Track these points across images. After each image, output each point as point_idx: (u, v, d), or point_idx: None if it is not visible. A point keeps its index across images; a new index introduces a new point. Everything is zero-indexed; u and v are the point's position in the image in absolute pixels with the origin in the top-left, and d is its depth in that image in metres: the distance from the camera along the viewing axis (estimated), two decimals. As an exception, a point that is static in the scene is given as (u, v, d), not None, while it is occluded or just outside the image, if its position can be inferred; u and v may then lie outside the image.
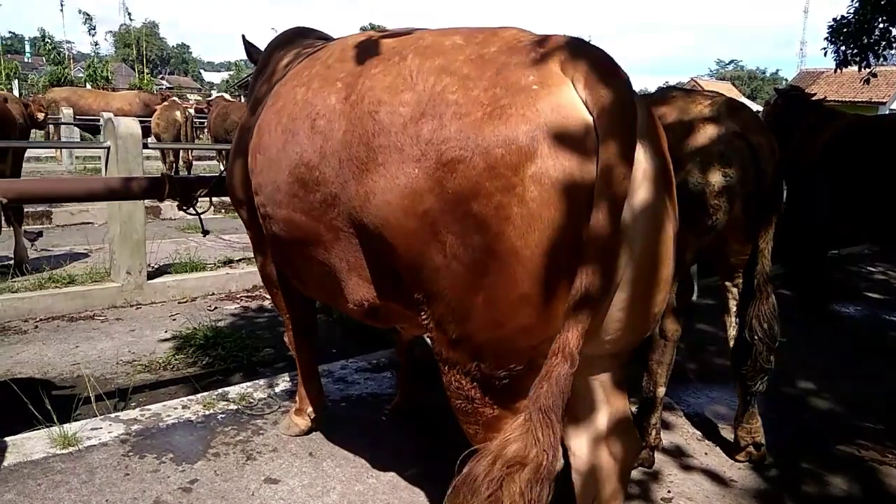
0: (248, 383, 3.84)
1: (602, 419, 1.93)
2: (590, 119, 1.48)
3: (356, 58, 1.92)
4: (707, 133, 2.71)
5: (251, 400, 3.58)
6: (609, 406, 1.93)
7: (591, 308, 1.44)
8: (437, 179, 1.54)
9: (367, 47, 1.92)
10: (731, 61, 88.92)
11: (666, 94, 3.10)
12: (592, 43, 1.69)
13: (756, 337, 2.85)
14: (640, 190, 1.56)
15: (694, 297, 6.13)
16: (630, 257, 1.57)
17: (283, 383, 3.80)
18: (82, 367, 4.33)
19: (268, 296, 6.29)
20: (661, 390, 2.95)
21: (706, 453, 3.23)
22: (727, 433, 3.35)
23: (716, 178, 2.67)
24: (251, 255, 7.33)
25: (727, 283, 3.10)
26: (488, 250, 1.50)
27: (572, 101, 1.50)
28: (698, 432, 3.43)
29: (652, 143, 1.62)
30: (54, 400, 3.48)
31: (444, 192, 1.53)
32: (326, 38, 2.90)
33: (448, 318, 1.66)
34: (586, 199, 1.45)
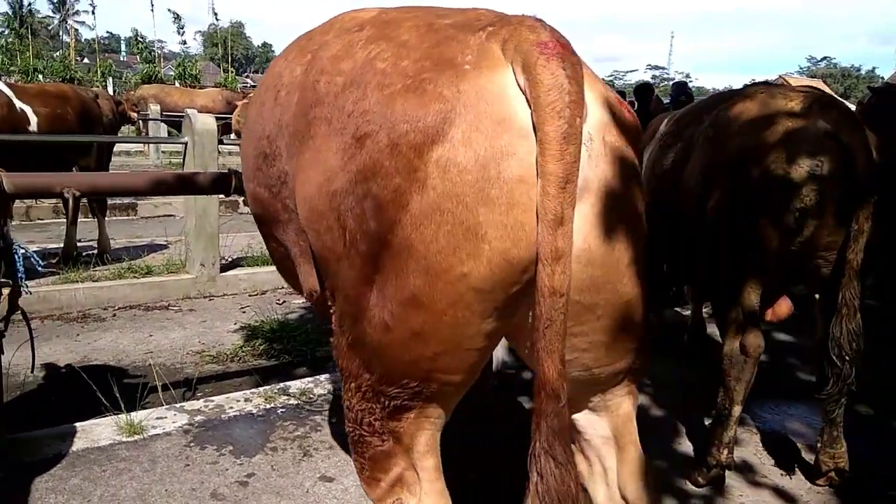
0: (310, 378, 3.86)
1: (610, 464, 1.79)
2: (523, 109, 1.30)
3: (333, 29, 1.78)
4: (795, 130, 2.51)
5: (311, 395, 3.60)
6: (618, 446, 1.77)
7: (557, 332, 1.29)
8: (350, 155, 1.39)
9: (351, 19, 1.77)
10: (824, 58, 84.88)
11: (750, 89, 2.91)
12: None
13: (842, 355, 2.61)
14: (596, 199, 1.37)
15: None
16: (589, 275, 1.40)
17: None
18: (154, 356, 4.47)
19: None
20: (738, 409, 2.76)
21: (782, 475, 3.03)
22: (807, 455, 3.13)
23: (803, 178, 2.47)
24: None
25: (815, 296, 2.89)
26: (381, 239, 1.35)
27: (503, 87, 1.32)
28: (775, 452, 3.22)
29: (615, 146, 1.41)
30: (126, 387, 3.60)
31: (351, 169, 1.38)
32: None
33: (345, 317, 1.51)
34: (506, 200, 1.28)
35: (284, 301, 5.93)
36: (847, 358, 2.59)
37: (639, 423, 1.81)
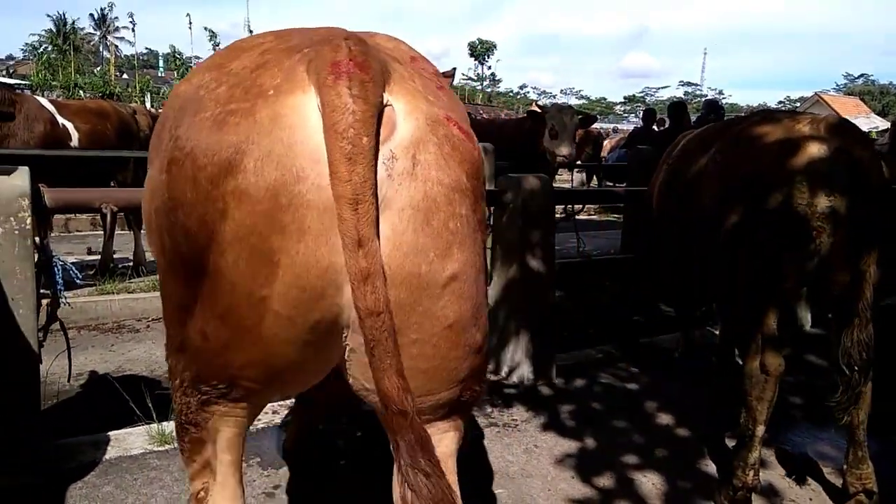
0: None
1: None
2: (318, 133, 1.29)
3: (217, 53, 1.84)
4: (809, 152, 2.56)
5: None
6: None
7: (387, 351, 1.31)
8: (164, 180, 1.43)
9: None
10: (861, 75, 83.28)
11: (759, 115, 2.98)
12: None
13: (851, 364, 2.62)
14: (398, 218, 1.34)
15: (807, 327, 5.74)
16: (394, 297, 1.35)
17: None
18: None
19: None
20: (761, 429, 2.74)
21: (811, 499, 2.99)
22: (834, 477, 3.09)
23: (818, 199, 2.51)
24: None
25: (831, 314, 2.87)
26: (195, 262, 1.39)
27: (299, 111, 1.30)
28: (802, 474, 3.17)
29: (431, 164, 1.37)
30: (158, 398, 3.67)
31: (164, 194, 1.43)
32: None
33: (173, 321, 1.58)
34: (297, 227, 1.29)
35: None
36: (856, 367, 2.61)
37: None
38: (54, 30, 62.63)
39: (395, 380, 1.32)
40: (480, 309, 1.51)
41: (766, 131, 2.79)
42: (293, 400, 3.77)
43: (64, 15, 62.81)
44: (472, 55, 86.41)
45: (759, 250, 2.66)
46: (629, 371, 4.43)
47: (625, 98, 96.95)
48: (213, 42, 62.10)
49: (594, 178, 15.67)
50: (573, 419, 3.66)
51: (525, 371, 4.06)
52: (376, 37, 1.67)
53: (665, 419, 3.70)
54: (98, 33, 73.61)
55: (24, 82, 34.29)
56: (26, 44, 67.72)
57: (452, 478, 1.59)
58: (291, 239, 1.30)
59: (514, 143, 7.77)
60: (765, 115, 3.00)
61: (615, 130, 24.40)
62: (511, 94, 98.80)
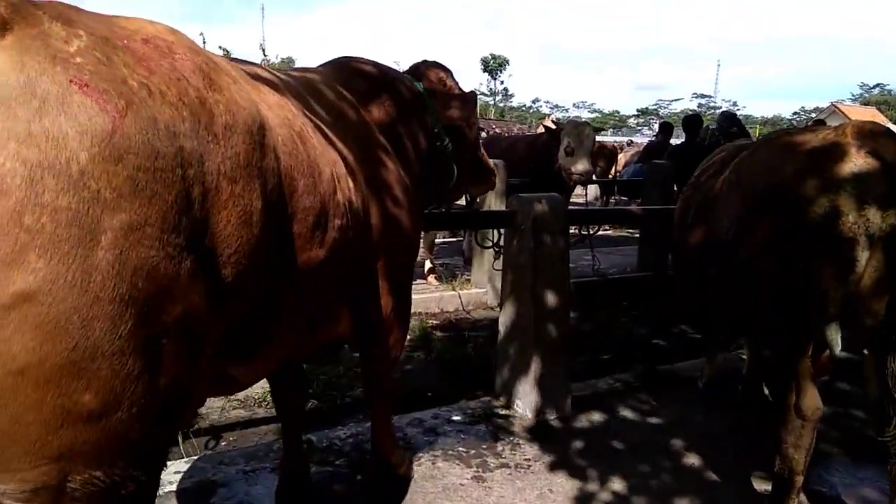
0: (342, 429, 3.67)
1: None
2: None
3: None
4: (834, 160, 2.29)
5: (336, 446, 3.40)
6: None
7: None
8: None
9: None
10: (877, 85, 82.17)
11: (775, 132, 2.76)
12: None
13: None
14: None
15: (837, 351, 5.42)
16: None
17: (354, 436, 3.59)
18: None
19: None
20: (799, 479, 2.47)
21: (855, 552, 2.70)
22: (882, 528, 2.80)
23: (850, 211, 2.22)
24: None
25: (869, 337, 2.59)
26: None
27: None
28: (844, 524, 2.89)
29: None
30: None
31: None
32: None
33: None
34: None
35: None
36: None
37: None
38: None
39: None
40: (95, 353, 1.05)
41: (785, 142, 2.58)
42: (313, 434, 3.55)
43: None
44: (484, 70, 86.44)
45: (783, 274, 2.39)
46: (650, 403, 4.15)
47: (638, 111, 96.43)
48: (227, 61, 62.37)
49: (609, 193, 15.41)
50: (590, 459, 3.39)
51: (537, 404, 3.80)
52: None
53: (690, 458, 3.42)
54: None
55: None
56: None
57: None
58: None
59: (528, 160, 7.56)
60: (781, 131, 2.83)
61: (629, 144, 24.08)
62: (524, 108, 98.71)
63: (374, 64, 2.78)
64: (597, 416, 3.91)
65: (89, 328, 1.03)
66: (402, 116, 2.68)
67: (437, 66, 3.06)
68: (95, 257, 1.03)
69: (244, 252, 1.35)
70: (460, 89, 3.10)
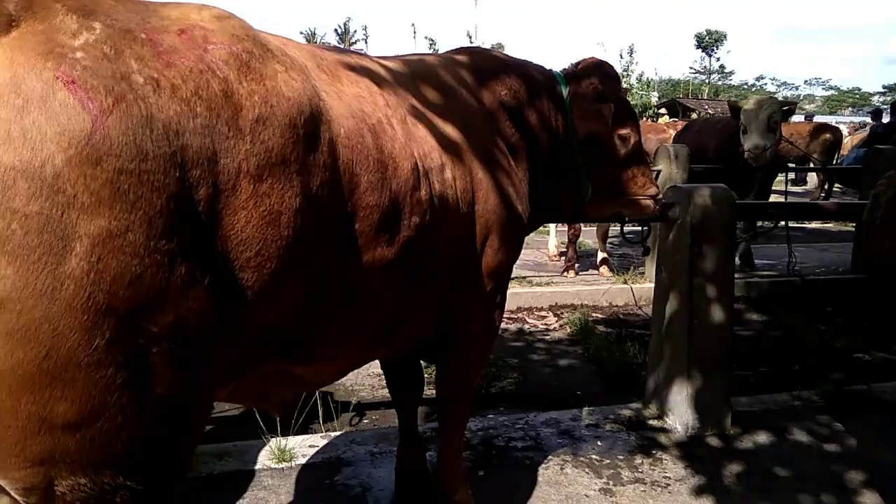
0: (475, 420, 3.62)
1: None
2: None
3: None
4: None
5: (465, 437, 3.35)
6: None
7: None
8: None
9: None
10: None
11: None
12: None
13: None
14: None
15: None
16: None
17: (485, 429, 3.50)
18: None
19: (530, 319, 6.08)
20: None
21: None
22: None
23: None
24: (523, 274, 7.20)
25: None
26: None
27: None
28: None
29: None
30: (304, 407, 3.63)
31: None
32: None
33: None
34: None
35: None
36: None
37: None
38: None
39: None
40: (69, 362, 1.03)
41: None
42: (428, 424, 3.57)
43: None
44: (698, 46, 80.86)
45: None
46: (831, 427, 3.58)
47: (884, 87, 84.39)
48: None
49: (831, 182, 13.69)
50: (741, 486, 3.00)
51: (689, 417, 3.45)
52: None
53: (867, 499, 2.90)
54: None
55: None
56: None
57: None
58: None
59: (715, 145, 6.91)
60: None
61: (863, 125, 21.08)
62: (746, 86, 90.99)
63: (507, 56, 2.60)
64: (762, 437, 3.46)
65: (62, 337, 1.01)
66: (529, 114, 2.44)
67: (597, 72, 2.63)
68: (68, 265, 1.01)
69: (270, 254, 1.28)
70: (622, 100, 2.70)
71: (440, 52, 2.86)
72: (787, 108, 6.04)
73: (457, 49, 2.59)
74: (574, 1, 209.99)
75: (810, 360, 4.90)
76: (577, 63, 2.72)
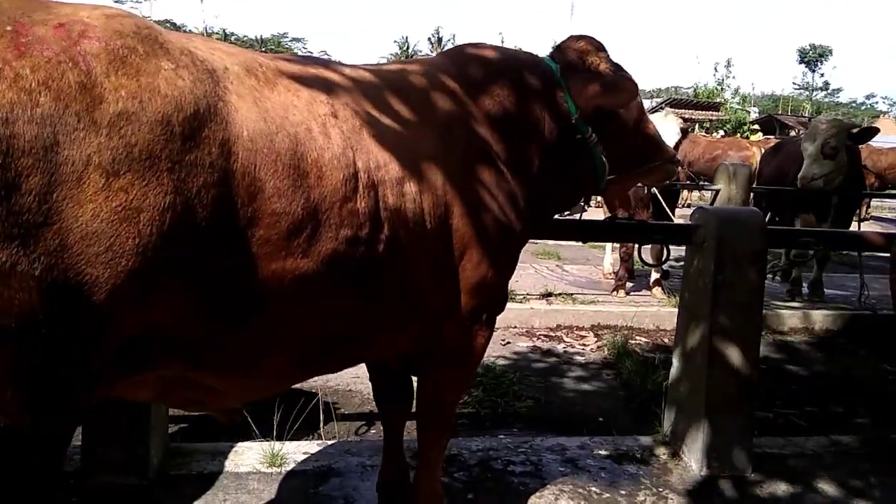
0: (478, 440, 3.51)
1: None
2: None
3: None
4: None
5: (452, 462, 3.24)
6: None
7: None
8: None
9: None
10: None
11: None
12: None
13: None
14: None
15: None
16: None
17: (485, 450, 3.37)
18: (360, 381, 4.53)
19: (567, 338, 5.89)
20: None
21: None
22: None
23: None
24: (570, 291, 7.00)
25: None
26: None
27: None
28: None
29: None
30: (312, 412, 3.62)
31: None
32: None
33: None
34: None
35: (509, 342, 5.64)
36: None
37: None
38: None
39: None
40: None
41: None
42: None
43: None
44: (801, 61, 77.04)
45: None
46: (867, 479, 3.26)
47: None
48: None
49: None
50: (748, 536, 2.77)
51: (703, 455, 3.22)
52: None
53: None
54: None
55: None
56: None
57: None
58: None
59: (794, 169, 6.52)
60: None
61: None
62: (854, 104, 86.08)
63: (495, 48, 2.49)
64: (783, 485, 3.18)
65: None
66: (522, 109, 2.31)
67: (580, 38, 2.57)
68: None
69: (125, 251, 1.25)
70: (613, 67, 2.57)
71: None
72: (855, 130, 5.56)
73: (448, 49, 2.53)
74: (671, 12, 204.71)
75: (864, 400, 4.50)
76: (559, 45, 2.63)
